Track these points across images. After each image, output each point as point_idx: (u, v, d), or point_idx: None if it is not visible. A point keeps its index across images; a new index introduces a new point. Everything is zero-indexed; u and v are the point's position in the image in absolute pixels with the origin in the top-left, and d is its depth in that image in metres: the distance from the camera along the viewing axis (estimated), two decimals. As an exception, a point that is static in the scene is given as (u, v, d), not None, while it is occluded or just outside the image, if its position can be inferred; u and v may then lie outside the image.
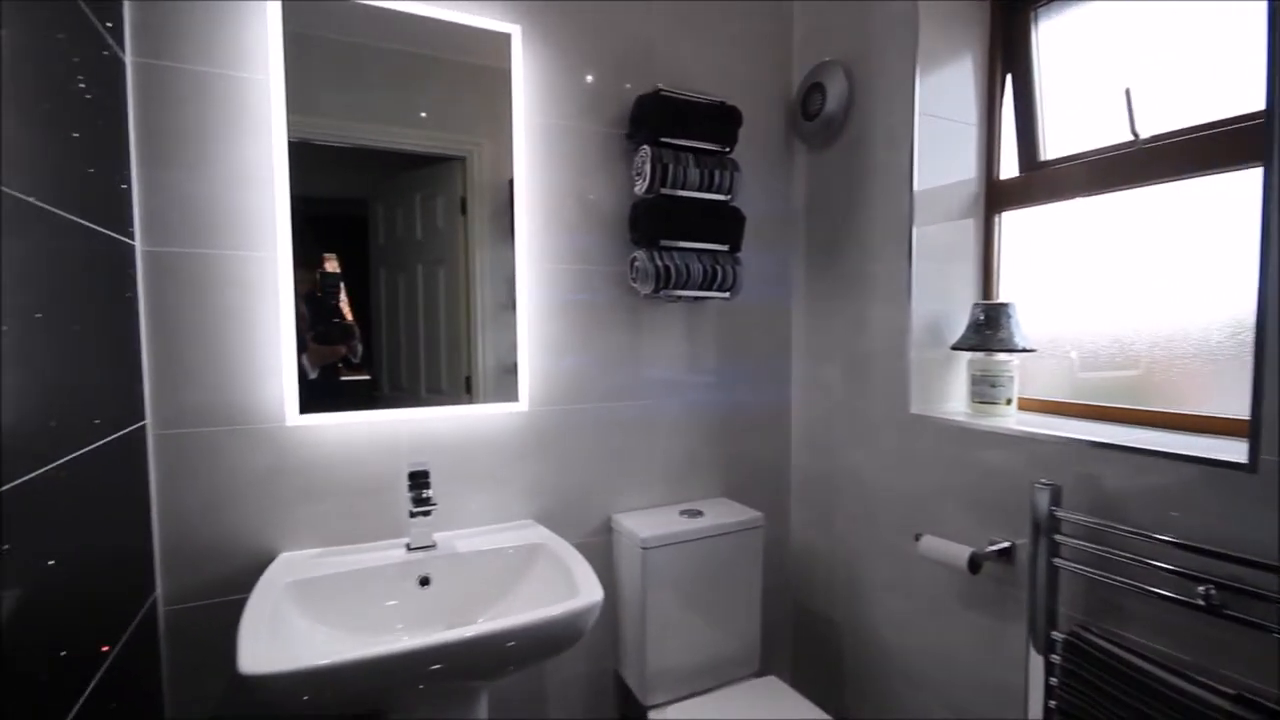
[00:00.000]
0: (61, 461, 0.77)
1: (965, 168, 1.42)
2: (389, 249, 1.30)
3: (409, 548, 1.22)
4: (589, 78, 1.43)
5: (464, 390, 1.34)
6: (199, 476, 1.13)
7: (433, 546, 1.24)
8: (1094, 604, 1.07)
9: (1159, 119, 1.14)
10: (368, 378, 1.27)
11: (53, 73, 0.80)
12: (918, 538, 1.32)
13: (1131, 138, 1.16)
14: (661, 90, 1.40)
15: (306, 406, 1.19)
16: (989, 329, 1.30)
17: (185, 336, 1.11)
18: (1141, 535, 0.96)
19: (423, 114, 1.28)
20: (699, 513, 1.50)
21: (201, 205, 1.11)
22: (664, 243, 1.42)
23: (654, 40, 1.50)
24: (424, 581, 1.20)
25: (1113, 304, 1.23)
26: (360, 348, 1.27)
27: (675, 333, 1.57)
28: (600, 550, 1.48)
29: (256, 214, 1.15)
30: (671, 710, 1.37)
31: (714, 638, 1.46)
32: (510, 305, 1.37)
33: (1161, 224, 1.16)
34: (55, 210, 0.78)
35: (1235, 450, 0.91)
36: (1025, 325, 1.31)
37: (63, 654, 0.77)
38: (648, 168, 1.38)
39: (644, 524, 1.42)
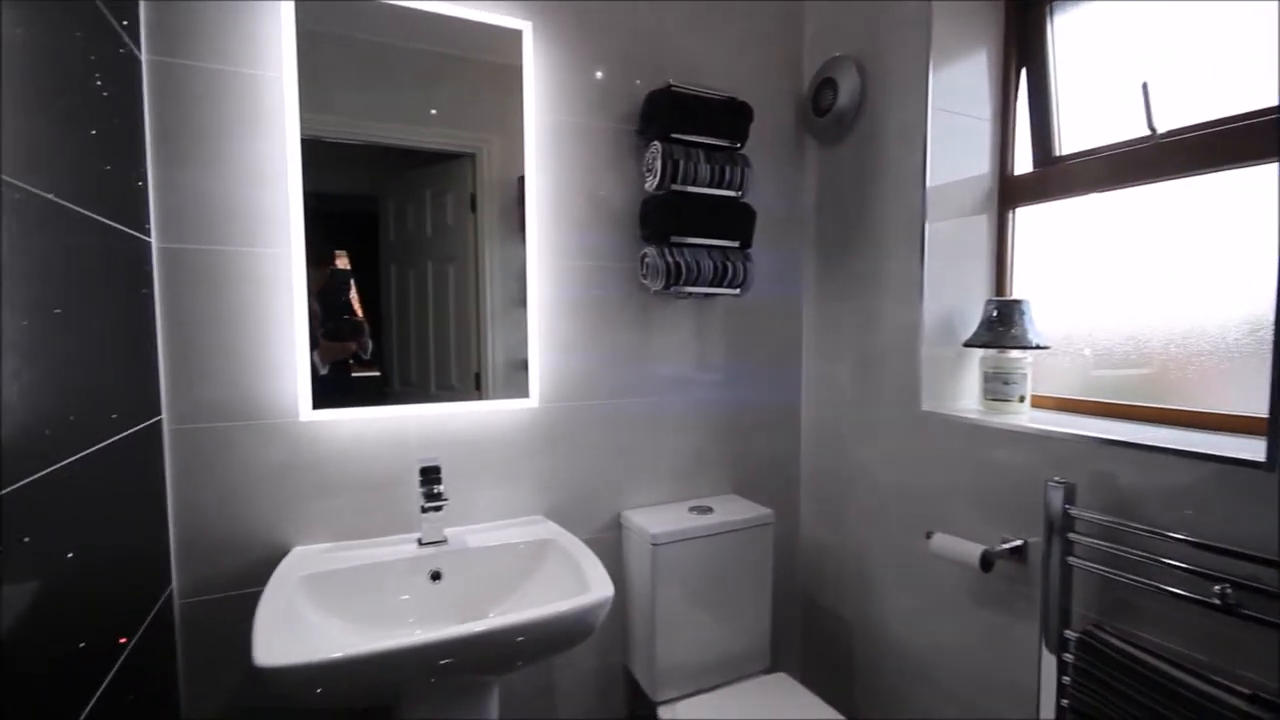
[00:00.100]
0: (80, 456, 0.78)
1: (979, 163, 1.41)
2: (399, 246, 1.30)
3: (420, 542, 1.23)
4: (599, 74, 1.43)
5: (473, 387, 1.35)
6: (214, 471, 1.14)
7: (444, 541, 1.24)
8: (1107, 603, 1.06)
9: (1176, 113, 1.12)
10: (378, 374, 1.28)
11: (71, 71, 0.80)
12: (929, 535, 1.31)
13: (1148, 132, 1.15)
14: (672, 86, 1.39)
15: (318, 402, 1.20)
16: (1002, 326, 1.29)
17: (200, 332, 1.12)
18: (1157, 534, 0.95)
19: (433, 111, 1.28)
20: (709, 509, 1.50)
21: (216, 202, 1.12)
22: (674, 239, 1.42)
23: (664, 36, 1.49)
24: (435, 576, 1.21)
25: (1128, 300, 1.22)
26: (370, 344, 1.27)
27: (685, 329, 1.57)
28: (610, 546, 1.49)
29: (270, 211, 1.15)
30: (681, 706, 1.37)
31: (723, 634, 1.46)
32: (519, 302, 1.37)
33: (1178, 220, 1.15)
34: (74, 207, 0.79)
35: (1253, 448, 0.90)
36: (1039, 322, 1.30)
37: (81, 645, 0.78)
38: (658, 164, 1.38)
39: (654, 520, 1.42)
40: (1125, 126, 1.20)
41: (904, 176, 1.41)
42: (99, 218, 0.86)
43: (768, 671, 1.51)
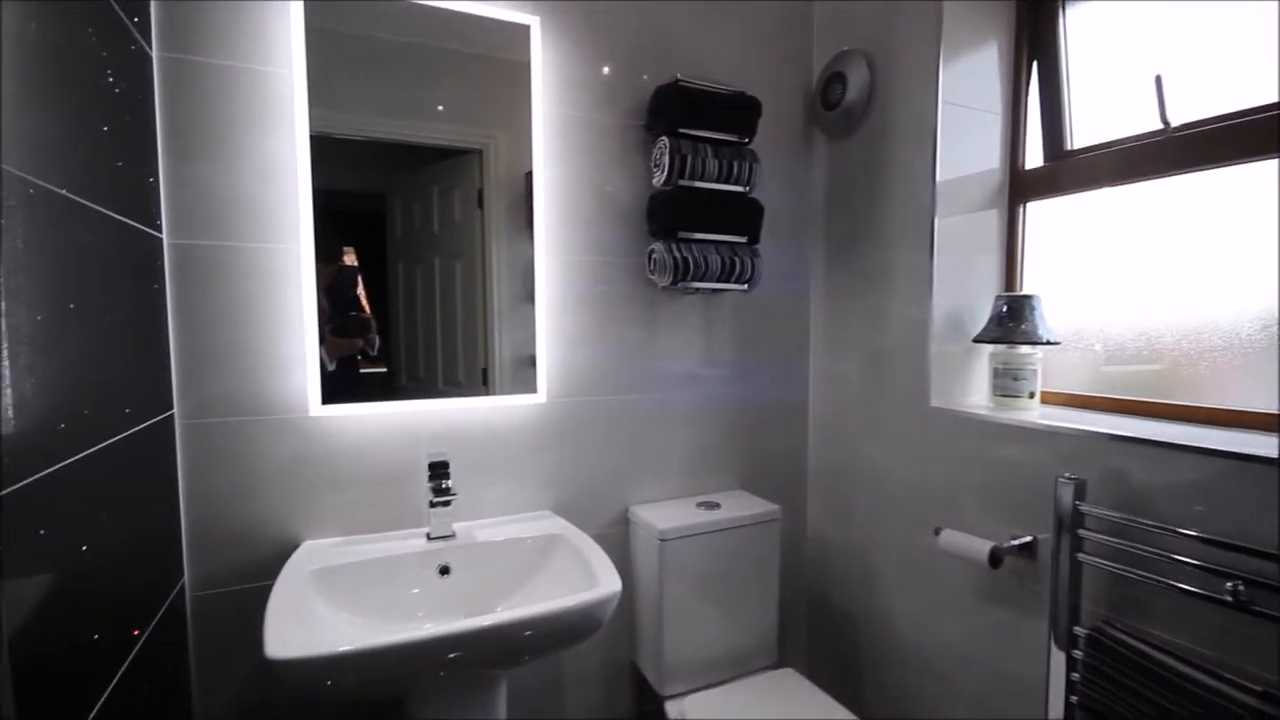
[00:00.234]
0: (94, 449, 0.79)
1: (989, 157, 1.40)
2: (406, 242, 1.31)
3: (429, 537, 1.24)
4: (606, 69, 1.43)
5: (480, 383, 1.35)
6: (225, 465, 1.15)
7: (452, 536, 1.25)
8: (1117, 599, 1.06)
9: (1190, 107, 1.11)
10: (385, 370, 1.28)
11: (83, 67, 0.81)
12: (937, 532, 1.31)
13: (1161, 126, 1.13)
14: (680, 80, 1.39)
15: (327, 398, 1.20)
16: (1012, 321, 1.28)
17: (211, 328, 1.13)
18: (1168, 530, 0.95)
19: (440, 107, 1.28)
20: (716, 505, 1.50)
21: (226, 198, 1.12)
22: (682, 234, 1.42)
23: (672, 30, 1.49)
24: (444, 570, 1.21)
25: (1140, 296, 1.21)
26: (377, 340, 1.28)
27: (693, 325, 1.57)
28: (617, 541, 1.49)
29: (279, 207, 1.16)
30: (688, 701, 1.38)
31: (730, 629, 1.46)
32: (526, 298, 1.37)
33: (1191, 214, 1.14)
34: (87, 203, 0.79)
35: (1265, 444, 0.89)
36: (1049, 317, 1.29)
37: (96, 637, 0.79)
38: (666, 159, 1.37)
39: (661, 516, 1.43)
40: (1138, 120, 1.19)
41: (913, 171, 1.40)
42: (111, 213, 0.87)
43: (775, 667, 1.51)
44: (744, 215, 1.47)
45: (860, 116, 1.53)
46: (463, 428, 1.33)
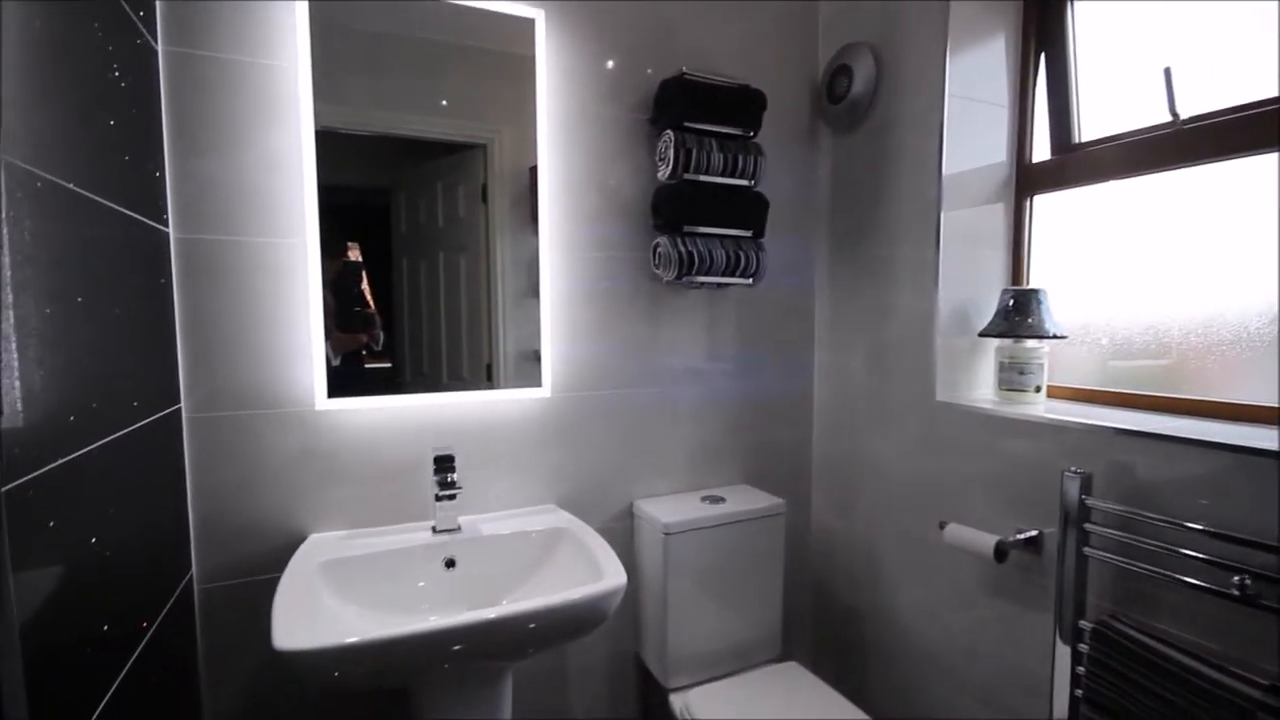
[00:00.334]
0: (103, 442, 0.80)
1: (996, 150, 1.39)
2: (411, 237, 1.31)
3: (435, 530, 1.25)
4: (611, 63, 1.42)
5: (485, 378, 1.36)
6: (232, 459, 1.15)
7: (458, 529, 1.26)
8: (1123, 593, 1.05)
9: (1200, 99, 1.10)
10: (389, 365, 1.29)
11: (89, 62, 0.81)
12: (942, 526, 1.31)
13: (1170, 118, 1.13)
14: (685, 74, 1.38)
15: (332, 393, 1.20)
16: (1018, 315, 1.28)
17: (217, 322, 1.13)
18: (1174, 524, 0.94)
19: (444, 102, 1.28)
20: (721, 499, 1.50)
21: (232, 192, 1.13)
22: (687, 228, 1.42)
23: (677, 24, 1.48)
24: (449, 563, 1.22)
25: (1147, 290, 1.20)
26: (382, 335, 1.28)
27: (697, 319, 1.57)
28: (622, 535, 1.49)
29: (285, 201, 1.16)
30: (692, 693, 1.38)
31: (735, 622, 1.47)
32: (530, 293, 1.37)
33: (1199, 207, 1.13)
34: (94, 197, 0.80)
35: (1272, 438, 0.89)
36: (1056, 311, 1.29)
37: (105, 629, 0.79)
38: (671, 153, 1.37)
39: (666, 510, 1.43)
40: (1147, 113, 1.18)
41: (919, 164, 1.39)
42: (118, 208, 0.87)
43: (779, 660, 1.51)
44: (749, 209, 1.47)
45: (866, 110, 1.52)
46: (468, 422, 1.33)
